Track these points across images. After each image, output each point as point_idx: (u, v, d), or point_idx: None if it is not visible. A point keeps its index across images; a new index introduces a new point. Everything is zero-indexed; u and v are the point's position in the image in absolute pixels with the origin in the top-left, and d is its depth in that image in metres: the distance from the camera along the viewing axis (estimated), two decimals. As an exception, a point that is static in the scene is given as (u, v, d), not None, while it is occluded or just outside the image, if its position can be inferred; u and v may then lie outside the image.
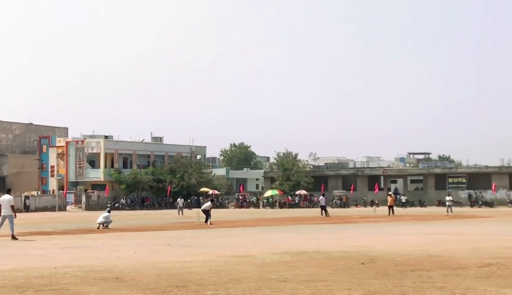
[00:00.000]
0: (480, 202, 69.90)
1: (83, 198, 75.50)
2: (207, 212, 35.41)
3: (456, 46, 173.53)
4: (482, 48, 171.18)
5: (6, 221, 22.56)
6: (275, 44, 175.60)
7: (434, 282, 11.02)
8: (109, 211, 33.07)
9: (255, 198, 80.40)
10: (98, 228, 30.31)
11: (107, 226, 30.77)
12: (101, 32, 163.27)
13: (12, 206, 22.70)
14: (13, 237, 22.39)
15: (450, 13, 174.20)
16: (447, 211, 47.89)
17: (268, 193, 76.04)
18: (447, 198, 51.42)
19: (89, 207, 72.20)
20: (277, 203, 76.27)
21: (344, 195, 76.64)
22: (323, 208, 45.64)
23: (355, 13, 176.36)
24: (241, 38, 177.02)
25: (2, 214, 22.68)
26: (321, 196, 48.44)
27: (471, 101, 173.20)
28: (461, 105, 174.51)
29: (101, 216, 31.79)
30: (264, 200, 77.62)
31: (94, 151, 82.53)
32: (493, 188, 72.46)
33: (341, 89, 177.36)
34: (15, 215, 22.74)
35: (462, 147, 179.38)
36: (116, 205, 71.42)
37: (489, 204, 68.44)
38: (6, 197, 22.99)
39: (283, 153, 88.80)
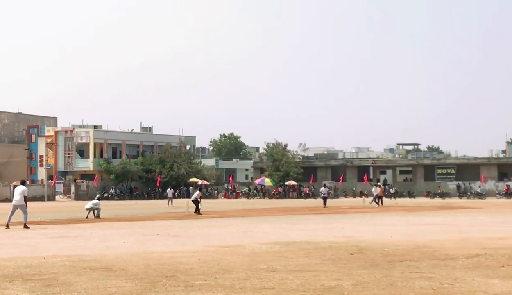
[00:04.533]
0: (469, 193, 70.09)
1: (72, 188, 75.44)
2: (196, 202, 35.46)
3: (444, 39, 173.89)
4: (470, 41, 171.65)
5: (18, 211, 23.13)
6: (268, 38, 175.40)
7: (422, 273, 11.07)
8: (99, 199, 33.06)
9: (247, 188, 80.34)
10: (87, 217, 30.28)
11: (98, 215, 30.75)
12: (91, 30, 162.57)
13: (25, 197, 23.15)
14: (25, 226, 22.80)
15: (448, 12, 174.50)
16: (378, 203, 45.07)
17: (268, 182, 76.41)
18: (373, 189, 47.60)
19: (78, 197, 72.08)
20: (266, 194, 76.42)
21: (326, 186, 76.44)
22: (325, 198, 45.09)
23: (350, 9, 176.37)
24: (232, 35, 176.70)
25: (13, 203, 23.37)
26: (323, 187, 47.50)
27: (460, 93, 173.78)
28: (450, 96, 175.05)
29: (90, 202, 32.46)
30: (260, 187, 77.87)
31: (83, 141, 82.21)
32: (482, 179, 72.86)
33: (330, 81, 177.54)
34: (26, 205, 23.13)
35: (451, 138, 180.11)
36: (105, 195, 71.25)
37: (478, 195, 68.72)
38: (20, 188, 23.50)
39: (273, 144, 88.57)
